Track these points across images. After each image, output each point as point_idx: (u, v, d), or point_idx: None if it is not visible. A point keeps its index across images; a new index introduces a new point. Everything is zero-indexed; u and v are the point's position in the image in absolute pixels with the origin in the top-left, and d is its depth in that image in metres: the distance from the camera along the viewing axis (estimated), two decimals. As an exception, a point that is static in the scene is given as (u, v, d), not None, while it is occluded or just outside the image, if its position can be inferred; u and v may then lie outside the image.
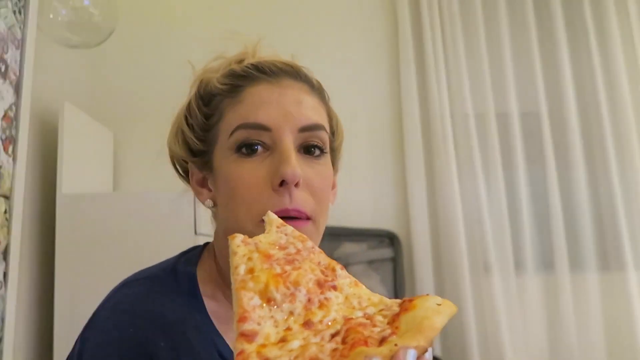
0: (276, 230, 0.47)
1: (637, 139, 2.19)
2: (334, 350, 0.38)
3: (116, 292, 0.61)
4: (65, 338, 1.49)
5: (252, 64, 0.62)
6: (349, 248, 2.10)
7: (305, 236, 0.48)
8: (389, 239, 2.12)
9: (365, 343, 0.37)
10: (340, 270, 0.45)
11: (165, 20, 2.22)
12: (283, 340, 0.38)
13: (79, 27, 1.62)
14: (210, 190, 0.65)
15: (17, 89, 1.46)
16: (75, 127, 1.73)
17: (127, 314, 0.57)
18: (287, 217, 0.55)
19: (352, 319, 0.41)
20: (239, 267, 0.42)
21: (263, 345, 0.38)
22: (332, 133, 0.67)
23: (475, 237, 2.12)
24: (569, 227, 2.16)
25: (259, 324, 0.39)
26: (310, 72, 0.67)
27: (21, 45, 1.49)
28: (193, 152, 0.65)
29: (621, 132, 2.20)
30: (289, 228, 0.48)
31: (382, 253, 2.10)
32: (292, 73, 0.63)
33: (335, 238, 2.10)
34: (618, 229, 2.12)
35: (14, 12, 1.46)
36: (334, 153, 0.68)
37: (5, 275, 1.35)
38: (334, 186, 0.69)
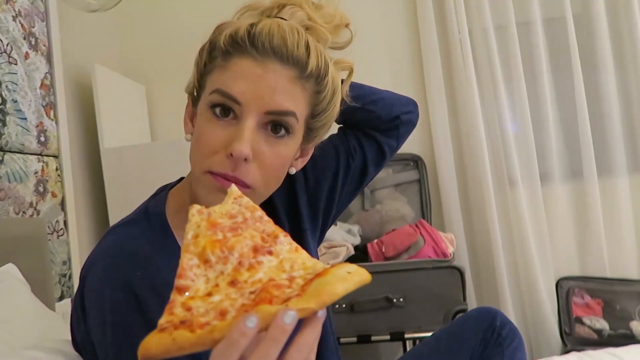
0: (232, 202, 0.53)
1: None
2: (243, 305, 0.43)
3: (102, 241, 0.70)
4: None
5: (250, 34, 0.66)
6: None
7: (257, 206, 0.53)
8: (414, 161, 2.19)
9: (270, 302, 0.42)
10: (282, 238, 0.50)
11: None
12: (209, 294, 0.45)
13: (95, -9, 1.72)
14: (193, 126, 0.73)
15: (49, 58, 1.61)
16: (108, 86, 1.89)
17: (110, 257, 0.66)
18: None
19: (274, 280, 0.46)
20: (189, 233, 0.49)
21: (191, 298, 0.45)
22: (315, 116, 0.71)
23: (499, 152, 2.15)
24: (597, 132, 2.13)
25: (192, 280, 0.46)
26: (317, 52, 0.68)
27: (46, 17, 1.62)
28: (193, 88, 0.73)
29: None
30: (245, 199, 0.54)
31: (407, 176, 2.18)
32: (282, 56, 0.65)
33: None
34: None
35: (34, -13, 1.58)
36: (312, 131, 0.73)
37: (65, 223, 1.57)
38: (303, 154, 0.77)
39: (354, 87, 0.84)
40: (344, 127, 0.91)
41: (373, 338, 1.72)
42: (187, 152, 1.84)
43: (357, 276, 0.44)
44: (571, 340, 1.97)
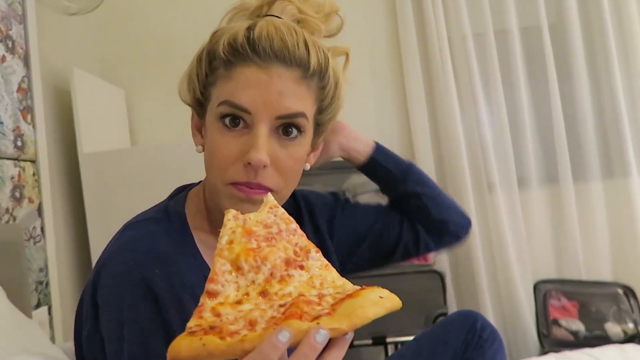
0: (268, 211, 0.54)
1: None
2: (272, 317, 0.44)
3: (120, 235, 0.70)
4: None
5: (250, 40, 0.66)
6: (356, 179, 2.21)
7: (291, 219, 0.54)
8: (394, 166, 2.21)
9: (300, 317, 0.42)
10: (314, 253, 0.51)
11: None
12: (239, 302, 0.46)
13: (75, -6, 1.70)
14: (202, 137, 0.74)
15: (26, 61, 1.58)
16: (87, 90, 1.86)
17: (130, 252, 0.65)
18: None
19: (304, 295, 0.46)
20: (223, 238, 0.50)
21: (221, 303, 0.45)
22: (322, 110, 0.72)
23: (477, 157, 2.18)
24: (572, 138, 2.19)
25: (223, 286, 0.47)
26: (316, 48, 0.68)
27: (24, 19, 1.59)
28: (196, 99, 0.73)
29: (626, 39, 2.17)
30: (280, 210, 0.54)
31: (388, 181, 2.20)
32: (284, 59, 0.66)
33: (343, 171, 2.21)
34: (622, 136, 2.14)
35: (11, -11, 1.55)
36: (321, 125, 0.74)
37: (42, 229, 1.54)
38: (315, 149, 0.78)
39: (420, 173, 0.89)
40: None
41: (355, 342, 1.72)
42: (166, 157, 1.81)
43: (388, 302, 0.45)
44: (548, 341, 2.01)
